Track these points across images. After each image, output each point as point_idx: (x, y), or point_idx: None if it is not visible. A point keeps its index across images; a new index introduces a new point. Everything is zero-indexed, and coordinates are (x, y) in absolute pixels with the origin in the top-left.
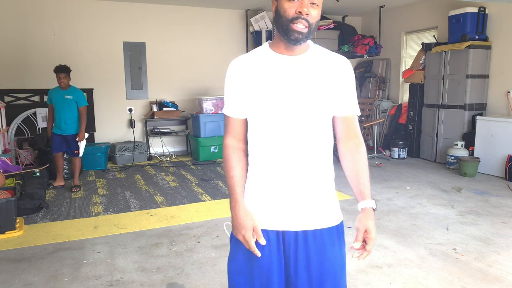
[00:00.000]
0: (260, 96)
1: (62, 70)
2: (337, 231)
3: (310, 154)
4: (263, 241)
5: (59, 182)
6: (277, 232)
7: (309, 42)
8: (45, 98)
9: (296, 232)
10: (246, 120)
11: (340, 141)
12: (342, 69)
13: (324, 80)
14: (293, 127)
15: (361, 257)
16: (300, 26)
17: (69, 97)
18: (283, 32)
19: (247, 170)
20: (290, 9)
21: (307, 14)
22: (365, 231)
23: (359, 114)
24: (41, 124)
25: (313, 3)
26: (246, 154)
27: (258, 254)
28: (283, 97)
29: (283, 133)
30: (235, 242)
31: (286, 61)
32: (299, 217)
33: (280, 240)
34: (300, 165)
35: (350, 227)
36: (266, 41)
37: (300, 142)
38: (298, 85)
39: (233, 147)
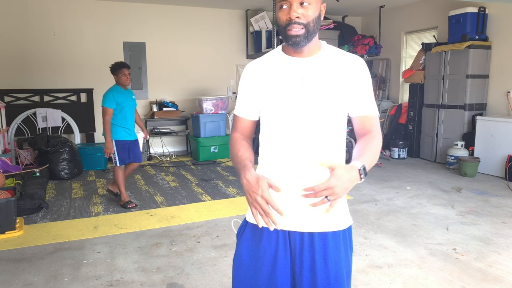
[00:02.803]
0: (272, 98)
1: (128, 66)
2: (344, 236)
3: (322, 155)
4: (276, 189)
5: (126, 197)
6: (284, 231)
7: (322, 43)
8: (46, 98)
9: (302, 233)
10: (254, 122)
11: (357, 138)
12: (355, 69)
13: (336, 81)
14: (304, 128)
15: (308, 197)
16: (295, 30)
17: (134, 97)
18: (283, 39)
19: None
20: (282, 17)
21: (297, 17)
22: (331, 170)
23: (377, 114)
24: (41, 124)
25: (302, 3)
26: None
27: (282, 213)
28: (295, 99)
29: (294, 134)
30: (241, 239)
31: (297, 63)
32: (306, 219)
33: (286, 240)
34: (310, 166)
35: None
36: (266, 41)
37: (311, 144)
38: (309, 87)
39: (240, 137)
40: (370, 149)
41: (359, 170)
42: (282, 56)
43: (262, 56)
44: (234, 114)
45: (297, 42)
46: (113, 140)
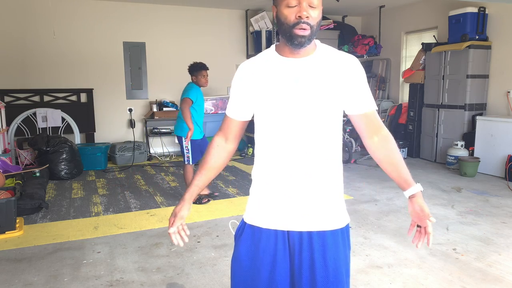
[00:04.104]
0: (266, 99)
1: (207, 67)
2: (342, 234)
3: (317, 155)
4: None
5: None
6: (283, 232)
7: (317, 42)
8: (46, 98)
9: (300, 233)
10: (245, 123)
11: (365, 138)
12: (350, 68)
13: (331, 81)
14: (300, 129)
15: (428, 241)
16: (302, 31)
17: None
18: (286, 38)
19: (220, 169)
20: (290, 15)
21: (307, 17)
22: (421, 211)
23: (376, 108)
24: (41, 124)
25: (311, 4)
26: (231, 153)
27: (174, 241)
28: (290, 100)
29: (290, 135)
30: (239, 240)
31: (292, 64)
32: (305, 218)
33: (285, 240)
34: (307, 166)
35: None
36: (266, 41)
37: (307, 144)
38: (304, 87)
39: (217, 145)
40: (402, 161)
41: (421, 191)
42: (277, 56)
43: (255, 57)
44: (224, 114)
45: (302, 42)
46: (185, 140)
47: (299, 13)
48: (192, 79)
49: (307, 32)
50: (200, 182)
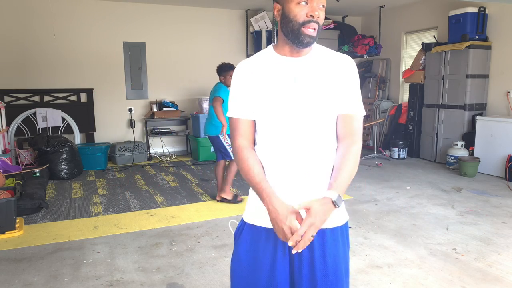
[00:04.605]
0: (266, 98)
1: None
2: (341, 232)
3: (316, 154)
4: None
5: (230, 193)
6: None
7: None
8: (46, 98)
9: None
10: (254, 122)
11: (337, 139)
12: (345, 68)
13: (328, 80)
14: (298, 127)
15: (297, 247)
16: (311, 30)
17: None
18: (293, 37)
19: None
20: (300, 13)
21: (318, 17)
22: (307, 210)
23: (364, 113)
24: (41, 124)
25: (319, 6)
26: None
27: (301, 247)
28: (289, 99)
29: (289, 134)
30: (239, 240)
31: (290, 63)
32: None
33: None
34: (305, 165)
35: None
36: (266, 41)
37: (305, 143)
38: (303, 86)
39: (246, 148)
40: (346, 166)
41: (333, 202)
42: (275, 55)
43: (252, 56)
44: (231, 117)
45: (310, 42)
46: (222, 136)
47: (311, 12)
48: (220, 79)
49: (314, 33)
50: (267, 182)
